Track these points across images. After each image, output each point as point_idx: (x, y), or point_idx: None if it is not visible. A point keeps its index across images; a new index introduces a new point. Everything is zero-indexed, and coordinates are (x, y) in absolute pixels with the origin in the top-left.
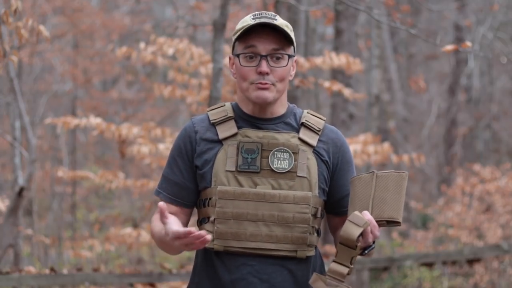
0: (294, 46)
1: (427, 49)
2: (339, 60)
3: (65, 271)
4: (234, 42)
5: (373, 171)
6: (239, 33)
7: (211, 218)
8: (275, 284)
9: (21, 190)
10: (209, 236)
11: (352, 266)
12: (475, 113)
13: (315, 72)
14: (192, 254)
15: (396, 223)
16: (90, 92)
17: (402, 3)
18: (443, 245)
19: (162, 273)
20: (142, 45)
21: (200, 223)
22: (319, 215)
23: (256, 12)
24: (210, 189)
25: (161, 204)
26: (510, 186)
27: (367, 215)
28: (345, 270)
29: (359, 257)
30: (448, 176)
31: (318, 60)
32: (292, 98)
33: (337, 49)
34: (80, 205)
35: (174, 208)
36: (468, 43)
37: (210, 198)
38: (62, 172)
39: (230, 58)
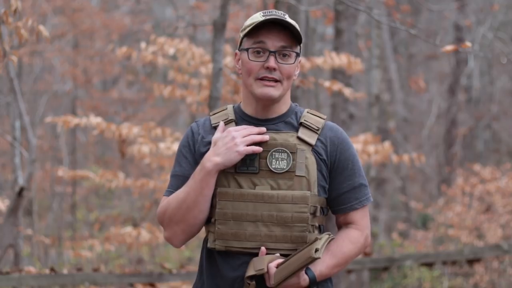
0: (300, 47)
1: (427, 49)
2: (340, 60)
3: (65, 271)
4: (242, 38)
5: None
6: (248, 28)
7: (212, 219)
8: None
9: (21, 190)
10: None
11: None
12: (475, 113)
13: (315, 72)
14: (192, 254)
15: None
16: (90, 92)
17: (402, 3)
18: (443, 245)
19: (162, 273)
20: (142, 45)
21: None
22: (318, 213)
23: (266, 10)
24: None
25: None
26: (510, 186)
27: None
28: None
29: (359, 256)
30: (448, 176)
31: (319, 60)
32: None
33: (337, 49)
34: (80, 205)
35: None
36: (468, 43)
37: (211, 200)
38: (62, 172)
39: (236, 54)
